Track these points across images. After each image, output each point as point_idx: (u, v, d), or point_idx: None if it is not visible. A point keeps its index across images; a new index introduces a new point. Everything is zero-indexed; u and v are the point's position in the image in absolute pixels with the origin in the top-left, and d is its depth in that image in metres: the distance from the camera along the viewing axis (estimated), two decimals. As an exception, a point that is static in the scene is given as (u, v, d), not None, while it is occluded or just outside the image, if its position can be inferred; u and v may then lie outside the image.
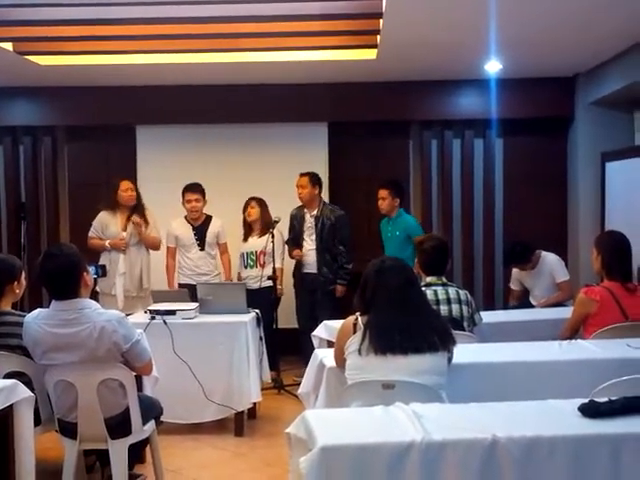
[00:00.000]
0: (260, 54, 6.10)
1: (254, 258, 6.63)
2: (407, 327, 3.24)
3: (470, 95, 7.38)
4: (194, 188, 6.52)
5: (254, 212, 6.63)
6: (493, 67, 6.61)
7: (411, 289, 3.38)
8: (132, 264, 6.46)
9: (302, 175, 6.66)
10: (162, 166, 7.43)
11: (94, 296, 6.11)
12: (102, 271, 5.69)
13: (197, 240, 6.58)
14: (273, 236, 6.35)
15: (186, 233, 6.60)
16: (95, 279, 6.35)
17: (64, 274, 3.60)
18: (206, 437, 5.14)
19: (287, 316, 6.80)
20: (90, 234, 6.51)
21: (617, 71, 6.32)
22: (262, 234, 6.57)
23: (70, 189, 7.81)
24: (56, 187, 7.79)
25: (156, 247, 6.60)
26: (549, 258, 6.28)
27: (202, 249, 6.59)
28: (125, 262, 6.42)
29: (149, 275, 6.60)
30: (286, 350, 6.60)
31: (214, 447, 4.99)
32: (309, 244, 6.66)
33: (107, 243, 6.42)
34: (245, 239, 6.73)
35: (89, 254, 6.35)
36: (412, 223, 6.76)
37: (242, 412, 5.23)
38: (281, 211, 6.58)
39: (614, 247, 4.51)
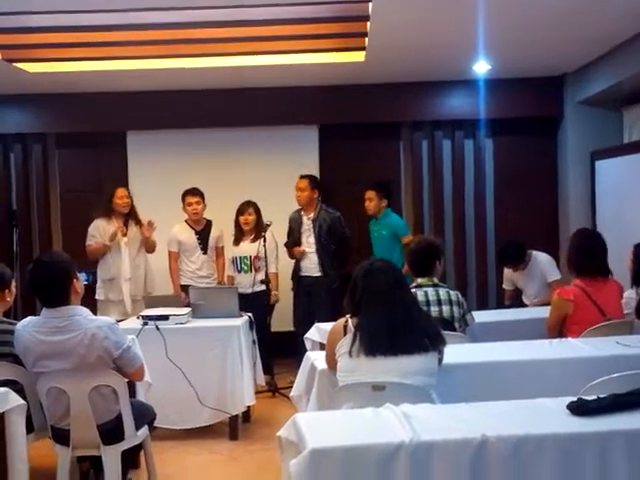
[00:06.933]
0: (249, 58, 6.09)
1: (248, 263, 6.61)
2: (396, 328, 3.24)
3: (459, 96, 7.41)
4: (194, 191, 6.58)
5: (251, 219, 6.60)
6: (481, 68, 6.64)
7: (400, 290, 3.39)
8: (136, 268, 6.46)
9: (302, 177, 6.64)
10: (153, 171, 7.45)
11: (93, 304, 6.11)
12: (93, 278, 5.65)
13: (200, 244, 6.62)
14: (265, 240, 6.35)
15: (189, 237, 6.64)
16: (90, 285, 6.36)
17: (54, 281, 3.60)
18: (200, 442, 5.13)
19: (281, 319, 6.79)
20: (88, 242, 6.41)
21: (604, 70, 6.34)
22: (255, 239, 6.54)
23: (61, 196, 7.81)
24: (47, 194, 7.78)
25: (153, 250, 6.62)
26: (540, 258, 6.30)
27: (205, 253, 6.64)
28: (130, 267, 6.40)
29: (152, 279, 6.61)
30: (281, 353, 6.58)
31: (209, 451, 4.99)
32: (306, 246, 6.63)
33: (106, 241, 6.32)
34: (237, 243, 6.69)
35: (87, 261, 6.36)
36: (398, 221, 6.78)
37: (236, 416, 5.22)
38: (272, 214, 6.57)
39: (578, 244, 4.54)
